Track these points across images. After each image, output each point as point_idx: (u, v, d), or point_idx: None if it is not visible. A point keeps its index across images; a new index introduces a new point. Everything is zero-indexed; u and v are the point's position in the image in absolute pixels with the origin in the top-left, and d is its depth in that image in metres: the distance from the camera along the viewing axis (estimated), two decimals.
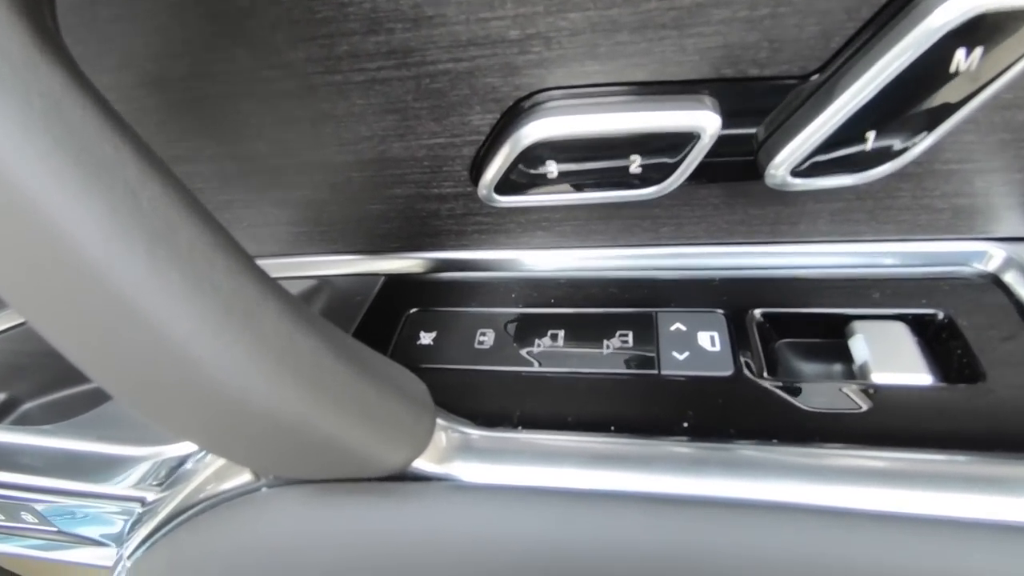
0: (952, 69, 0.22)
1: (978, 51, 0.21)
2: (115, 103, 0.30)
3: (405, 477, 0.24)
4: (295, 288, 0.38)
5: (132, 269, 0.16)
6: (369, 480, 0.23)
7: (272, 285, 0.19)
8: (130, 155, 0.16)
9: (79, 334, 0.17)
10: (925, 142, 0.25)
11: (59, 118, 0.15)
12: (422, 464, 0.23)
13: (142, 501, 0.36)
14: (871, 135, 0.24)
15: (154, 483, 0.38)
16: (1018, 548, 0.20)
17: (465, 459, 0.24)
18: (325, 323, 0.21)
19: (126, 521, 0.38)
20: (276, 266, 0.39)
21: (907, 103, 0.23)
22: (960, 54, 0.22)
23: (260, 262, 0.39)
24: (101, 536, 0.40)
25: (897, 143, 0.24)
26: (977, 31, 0.21)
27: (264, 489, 0.26)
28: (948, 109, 0.23)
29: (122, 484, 0.39)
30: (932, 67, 0.22)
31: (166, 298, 0.16)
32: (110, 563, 0.36)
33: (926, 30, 0.21)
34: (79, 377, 0.18)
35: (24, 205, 0.14)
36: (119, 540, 0.37)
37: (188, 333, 0.17)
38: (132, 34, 0.28)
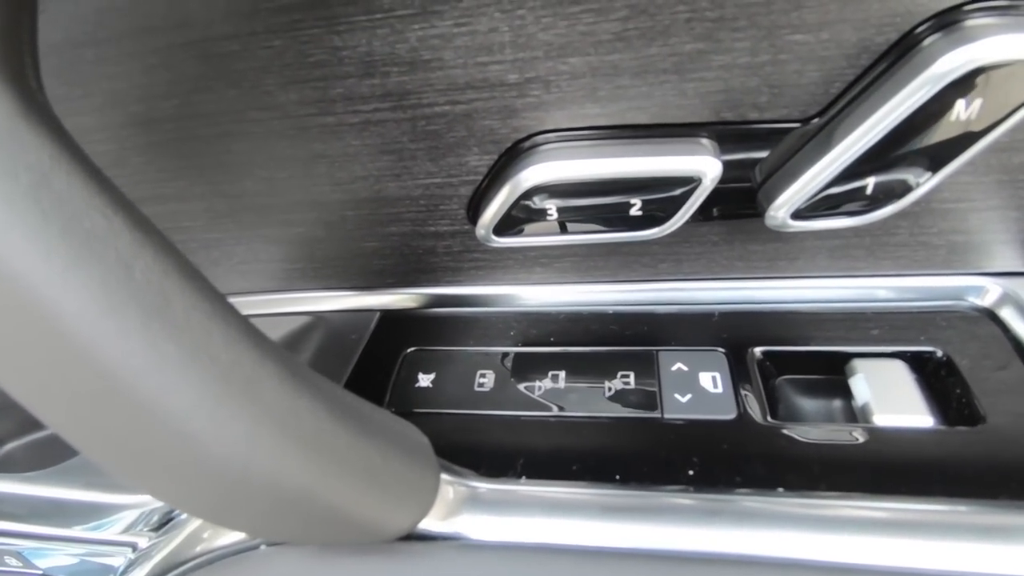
0: (953, 118, 0.22)
1: (978, 102, 0.21)
2: (100, 143, 0.30)
3: (411, 536, 0.23)
4: (288, 325, 0.37)
5: (127, 345, 0.15)
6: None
7: (270, 349, 0.18)
8: (122, 225, 0.15)
9: (73, 413, 0.16)
10: (925, 187, 0.25)
11: (47, 191, 0.14)
12: (429, 523, 0.23)
13: (133, 547, 0.35)
14: (871, 180, 0.25)
15: (146, 529, 0.37)
16: None
17: (472, 513, 0.24)
18: (323, 382, 0.20)
19: (117, 567, 0.37)
20: (267, 302, 0.38)
21: (907, 149, 0.23)
22: (960, 104, 0.22)
23: (251, 298, 0.39)
24: None
25: (897, 187, 0.25)
26: (977, 82, 0.21)
27: (263, 547, 0.25)
28: (948, 155, 0.23)
29: (111, 530, 0.38)
30: (933, 115, 0.22)
31: (163, 373, 0.15)
32: None
33: (929, 79, 0.21)
34: None
35: (12, 283, 0.14)
36: None
37: (187, 408, 0.16)
38: (118, 76, 0.27)
